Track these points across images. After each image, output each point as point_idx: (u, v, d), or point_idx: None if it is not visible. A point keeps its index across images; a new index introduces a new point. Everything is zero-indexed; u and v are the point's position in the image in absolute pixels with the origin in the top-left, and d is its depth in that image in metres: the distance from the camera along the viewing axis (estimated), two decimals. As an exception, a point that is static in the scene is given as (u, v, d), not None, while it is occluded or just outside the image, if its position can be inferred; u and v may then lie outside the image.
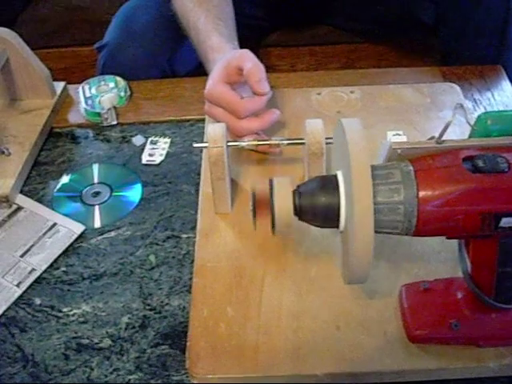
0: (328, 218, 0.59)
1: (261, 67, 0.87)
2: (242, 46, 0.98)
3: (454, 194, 0.56)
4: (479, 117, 0.59)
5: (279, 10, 1.40)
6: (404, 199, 0.56)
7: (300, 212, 0.60)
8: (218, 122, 0.88)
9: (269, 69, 0.89)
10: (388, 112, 1.01)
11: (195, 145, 0.83)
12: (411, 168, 0.57)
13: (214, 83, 0.89)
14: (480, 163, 0.56)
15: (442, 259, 0.78)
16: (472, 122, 0.59)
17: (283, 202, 0.58)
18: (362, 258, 0.56)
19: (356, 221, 0.54)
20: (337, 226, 0.60)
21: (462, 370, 0.69)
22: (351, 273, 0.58)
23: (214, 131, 0.80)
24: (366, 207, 0.53)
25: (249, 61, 0.87)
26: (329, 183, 0.59)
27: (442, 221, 0.57)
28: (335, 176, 0.60)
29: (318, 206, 0.59)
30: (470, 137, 0.60)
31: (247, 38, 1.04)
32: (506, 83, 1.12)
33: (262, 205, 0.59)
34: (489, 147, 0.58)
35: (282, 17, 1.43)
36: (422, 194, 0.56)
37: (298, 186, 0.61)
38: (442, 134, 0.58)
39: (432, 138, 0.59)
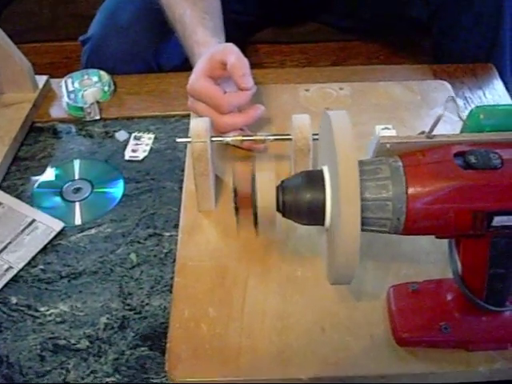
0: (313, 214, 0.57)
1: (245, 61, 0.85)
2: (230, 42, 0.95)
3: (444, 191, 0.54)
4: (471, 111, 0.56)
5: (269, 6, 1.38)
6: (392, 196, 0.54)
7: (284, 208, 0.57)
8: (202, 117, 0.86)
9: (258, 66, 0.88)
10: (378, 109, 1.00)
11: (178, 140, 0.81)
12: (400, 163, 0.55)
13: (197, 77, 0.87)
14: (472, 159, 0.54)
15: (431, 260, 0.76)
16: (464, 117, 0.57)
17: (266, 198, 0.56)
18: (347, 257, 0.53)
19: (342, 218, 0.52)
20: (322, 224, 0.57)
21: (452, 374, 0.67)
22: (336, 272, 0.56)
23: (198, 126, 0.78)
24: (353, 204, 0.51)
25: (232, 55, 0.85)
26: (314, 179, 0.57)
27: (431, 219, 0.55)
28: (321, 171, 0.57)
29: (302, 202, 0.56)
30: (461, 132, 0.58)
31: (236, 34, 1.02)
32: (497, 82, 1.10)
33: (245, 202, 0.56)
34: (481, 143, 0.56)
35: (272, 13, 1.41)
36: (411, 190, 0.54)
37: (282, 182, 0.59)
38: (432, 128, 0.55)
39: (422, 132, 0.56)
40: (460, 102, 1.04)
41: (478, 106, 0.57)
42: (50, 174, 0.95)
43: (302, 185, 0.57)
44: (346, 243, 0.52)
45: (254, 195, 0.55)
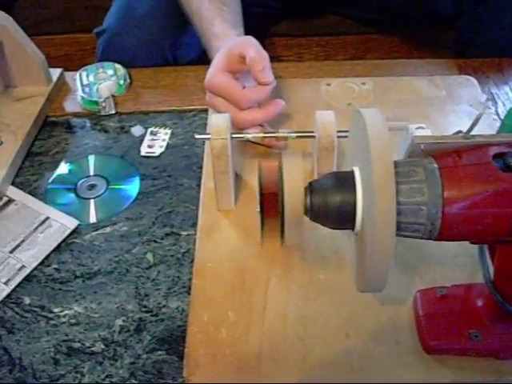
0: (342, 218, 0.54)
1: (265, 55, 0.83)
2: (247, 35, 0.93)
3: (482, 195, 0.51)
4: (510, 110, 0.53)
5: (287, -2, 1.35)
6: (428, 200, 0.51)
7: (312, 211, 0.55)
8: (220, 113, 0.84)
9: (275, 59, 0.85)
10: (402, 105, 0.97)
11: (197, 136, 0.78)
12: (436, 165, 0.52)
13: (215, 72, 0.85)
14: (512, 161, 0.51)
15: (459, 263, 0.73)
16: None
17: (294, 199, 0.53)
18: (380, 265, 0.51)
19: (377, 224, 0.49)
20: (351, 228, 0.55)
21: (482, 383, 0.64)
22: (367, 280, 0.53)
23: (218, 122, 0.75)
24: (389, 208, 0.48)
25: (252, 48, 0.83)
26: (345, 180, 0.54)
27: (468, 224, 0.52)
28: (352, 172, 0.54)
29: (331, 205, 0.54)
30: (499, 132, 0.55)
31: (253, 26, 1.00)
32: (524, 77, 1.07)
33: (272, 205, 0.53)
34: (521, 143, 0.53)
35: (290, 5, 1.38)
36: (447, 194, 0.51)
37: (310, 183, 0.56)
38: (471, 128, 0.52)
39: (458, 132, 0.53)
40: (485, 97, 1.01)
41: (517, 105, 0.53)
42: (64, 170, 0.93)
43: (332, 186, 0.54)
44: (379, 250, 0.50)
45: (282, 195, 0.52)
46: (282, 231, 0.53)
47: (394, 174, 0.48)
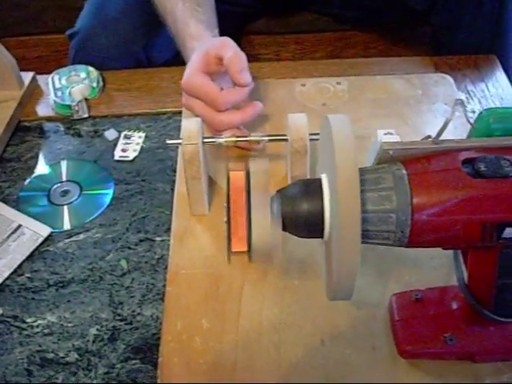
0: (311, 227, 0.53)
1: (242, 56, 0.82)
2: (223, 34, 0.92)
3: (452, 202, 0.50)
4: (480, 114, 0.53)
5: (263, -4, 1.34)
6: (396, 207, 0.50)
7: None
8: (197, 115, 0.83)
9: (252, 58, 0.84)
10: (377, 105, 0.96)
11: (168, 141, 0.77)
12: (404, 172, 0.52)
13: (192, 73, 0.84)
14: (481, 166, 0.51)
15: (435, 265, 0.73)
16: (472, 120, 0.53)
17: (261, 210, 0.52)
18: (346, 273, 0.50)
19: (341, 232, 0.48)
20: (321, 236, 0.54)
21: (457, 387, 0.64)
22: (334, 288, 0.52)
23: (189, 127, 0.74)
24: (353, 217, 0.47)
25: (229, 49, 0.82)
26: (312, 188, 0.53)
27: (438, 231, 0.51)
28: (319, 180, 0.54)
29: (299, 214, 0.53)
30: (469, 136, 0.54)
31: (229, 25, 0.99)
32: (500, 74, 1.06)
33: (239, 213, 0.53)
34: (491, 148, 0.53)
35: (267, 3, 1.37)
36: (416, 201, 0.51)
37: (278, 192, 0.55)
38: (439, 134, 0.51)
39: (428, 137, 0.53)
40: (462, 95, 1.00)
41: (486, 109, 0.53)
42: (36, 176, 0.92)
43: (299, 195, 0.53)
44: (345, 258, 0.49)
45: (248, 206, 0.51)
46: (249, 244, 0.52)
47: (358, 182, 0.47)
